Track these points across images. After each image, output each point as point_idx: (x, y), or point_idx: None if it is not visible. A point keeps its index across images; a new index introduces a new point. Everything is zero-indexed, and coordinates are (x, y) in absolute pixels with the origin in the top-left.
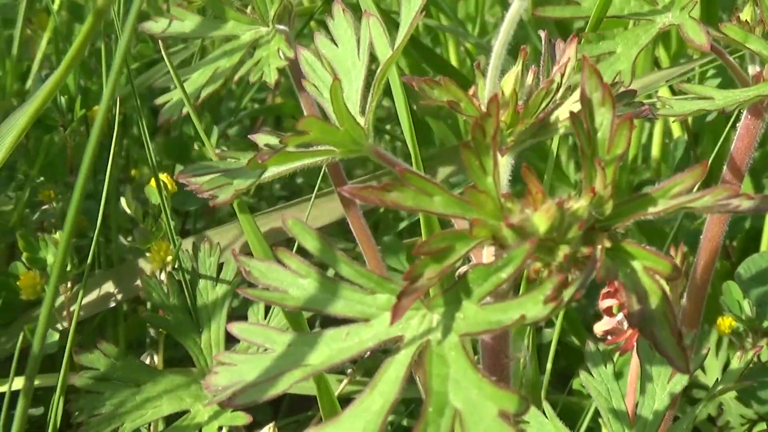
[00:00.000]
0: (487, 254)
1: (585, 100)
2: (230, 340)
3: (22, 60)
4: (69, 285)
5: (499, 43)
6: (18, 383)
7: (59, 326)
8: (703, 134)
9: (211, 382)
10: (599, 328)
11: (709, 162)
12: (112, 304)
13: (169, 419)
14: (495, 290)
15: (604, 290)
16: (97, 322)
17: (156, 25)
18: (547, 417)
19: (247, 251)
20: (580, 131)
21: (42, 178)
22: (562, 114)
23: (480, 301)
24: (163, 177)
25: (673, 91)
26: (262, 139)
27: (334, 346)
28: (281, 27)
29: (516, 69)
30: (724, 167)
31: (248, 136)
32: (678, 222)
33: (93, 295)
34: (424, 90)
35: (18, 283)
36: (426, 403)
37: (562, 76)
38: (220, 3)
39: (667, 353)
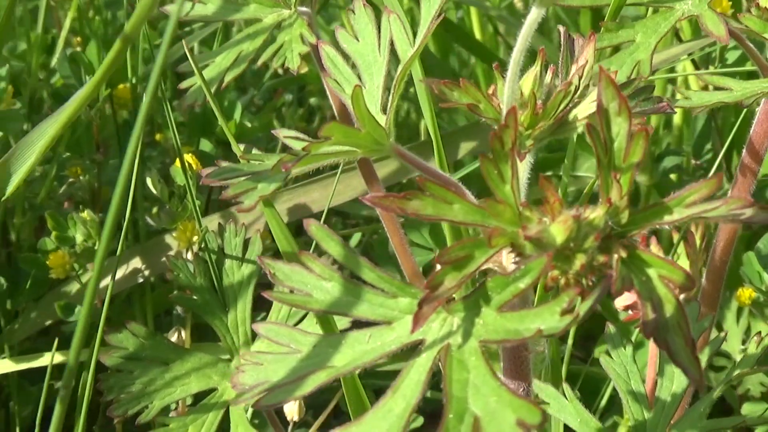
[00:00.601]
0: (507, 257)
1: (601, 110)
2: (256, 320)
3: (46, 28)
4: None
5: (517, 50)
6: (49, 359)
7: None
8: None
9: (238, 381)
10: (620, 302)
11: (730, 137)
12: (140, 280)
13: (197, 397)
14: (513, 299)
15: None
16: (125, 295)
17: (178, 9)
18: (567, 398)
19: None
20: (597, 141)
21: (68, 155)
22: (580, 112)
23: (499, 309)
24: (188, 157)
25: (696, 65)
26: (285, 134)
27: (357, 348)
28: (303, 9)
29: (535, 69)
30: (743, 152)
31: (272, 132)
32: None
33: (121, 271)
34: (444, 92)
35: (48, 262)
36: (446, 408)
37: (580, 78)
38: None
39: (681, 363)
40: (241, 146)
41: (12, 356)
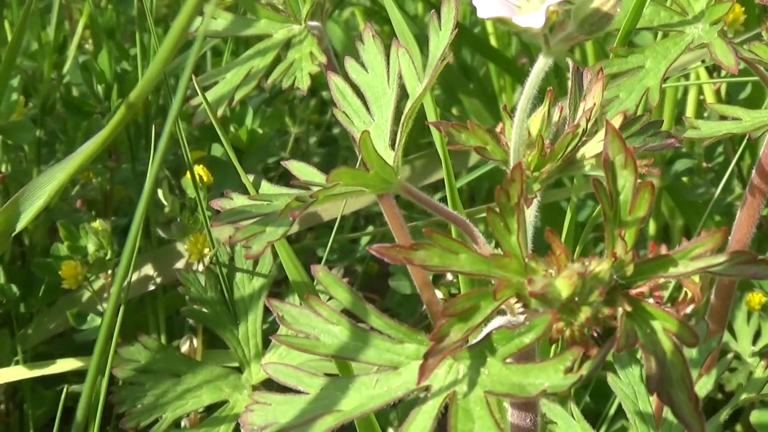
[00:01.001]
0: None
1: (607, 163)
2: (267, 333)
3: (59, 24)
4: (110, 272)
5: (525, 97)
6: (64, 365)
7: (100, 308)
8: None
9: (247, 420)
10: None
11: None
12: (152, 287)
13: (209, 409)
14: (518, 352)
15: None
16: (137, 298)
17: (193, 24)
18: (574, 418)
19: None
20: (602, 194)
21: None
22: (588, 151)
23: (504, 360)
24: (199, 169)
25: (710, 72)
26: (295, 167)
27: (364, 393)
28: (314, 24)
29: (542, 109)
30: (753, 172)
31: (281, 163)
32: (715, 197)
33: (133, 278)
34: (452, 134)
35: (60, 273)
36: None
37: (587, 120)
38: (251, 1)
39: (683, 418)
40: (250, 177)
41: (25, 360)
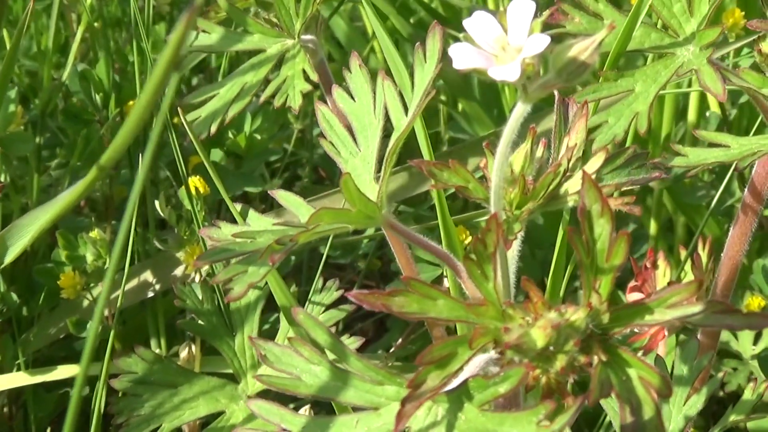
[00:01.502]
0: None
1: (584, 212)
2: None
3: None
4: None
5: (503, 143)
6: (66, 371)
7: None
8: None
9: None
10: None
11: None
12: (150, 294)
13: (206, 420)
14: (493, 400)
15: (631, 284)
16: (136, 305)
17: None
18: None
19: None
20: (579, 243)
21: (80, 165)
22: (571, 187)
23: (481, 406)
24: (195, 181)
25: None
26: (282, 196)
27: None
28: (307, 37)
29: (525, 147)
30: (745, 191)
31: (269, 192)
32: (716, 199)
33: (131, 284)
34: (434, 174)
35: (58, 282)
36: None
37: (569, 160)
38: (243, 15)
39: None
40: (238, 206)
41: (27, 364)
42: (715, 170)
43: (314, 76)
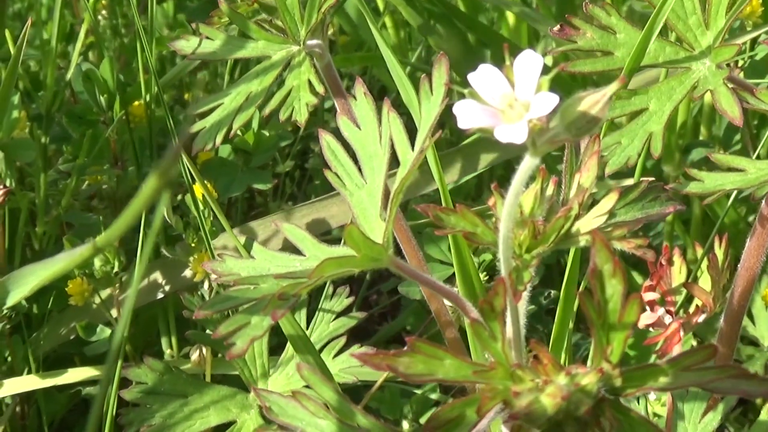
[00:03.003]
0: None
1: (595, 273)
2: (272, 353)
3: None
4: (118, 280)
5: (511, 194)
6: (76, 374)
7: (110, 316)
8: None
9: None
10: (641, 321)
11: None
12: (160, 296)
13: (217, 430)
14: None
15: (647, 282)
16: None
17: (187, 45)
18: None
19: (287, 245)
20: (589, 304)
21: (86, 160)
22: (583, 226)
23: None
24: (197, 188)
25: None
26: (287, 229)
27: None
28: (314, 42)
29: (535, 187)
30: (762, 204)
31: (273, 223)
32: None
33: (141, 285)
34: (440, 219)
35: (66, 289)
36: None
37: (580, 205)
38: (246, 21)
39: None
40: (238, 235)
41: (37, 364)
42: None
43: (320, 88)
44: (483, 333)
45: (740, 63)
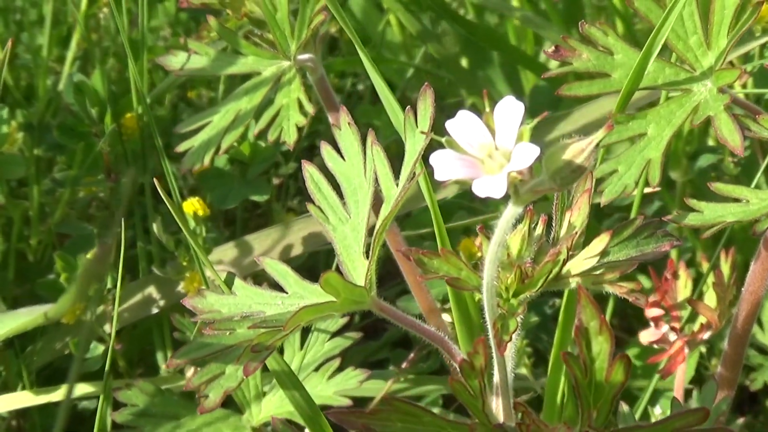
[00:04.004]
0: None
1: (581, 329)
2: (265, 373)
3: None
4: (110, 296)
5: (494, 244)
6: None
7: (104, 329)
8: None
9: None
10: (645, 337)
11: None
12: (155, 310)
13: None
14: None
15: (651, 298)
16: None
17: (175, 60)
18: None
19: (285, 257)
20: (574, 364)
21: (80, 174)
22: (573, 267)
23: None
24: (194, 202)
25: None
26: (269, 264)
27: None
28: (305, 57)
29: (522, 228)
30: (760, 246)
31: (256, 260)
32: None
33: (135, 299)
34: (423, 263)
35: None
36: None
37: (569, 249)
38: (235, 37)
39: None
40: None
41: (31, 378)
42: (741, 162)
43: (310, 108)
44: (463, 392)
45: (749, 68)
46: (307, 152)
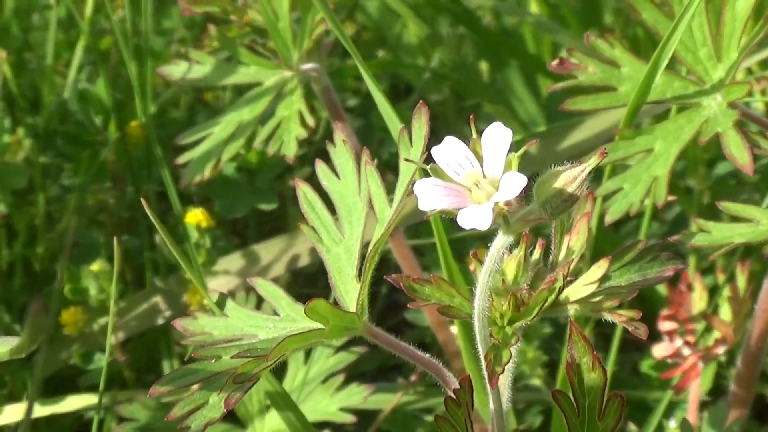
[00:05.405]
0: None
1: (572, 366)
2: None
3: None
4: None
5: (485, 271)
6: (76, 402)
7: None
8: None
9: None
10: (658, 351)
11: None
12: (161, 321)
13: None
14: None
15: (664, 312)
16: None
17: (176, 69)
18: None
19: (292, 268)
20: (566, 404)
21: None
22: (572, 294)
23: None
24: (197, 213)
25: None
26: (261, 285)
27: None
28: (308, 66)
29: (518, 253)
30: None
31: (248, 280)
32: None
33: (141, 309)
34: (414, 290)
35: (60, 319)
36: None
37: (565, 277)
38: (236, 46)
39: None
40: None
41: (37, 391)
42: (759, 169)
43: (311, 120)
44: (448, 429)
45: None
46: (324, 154)
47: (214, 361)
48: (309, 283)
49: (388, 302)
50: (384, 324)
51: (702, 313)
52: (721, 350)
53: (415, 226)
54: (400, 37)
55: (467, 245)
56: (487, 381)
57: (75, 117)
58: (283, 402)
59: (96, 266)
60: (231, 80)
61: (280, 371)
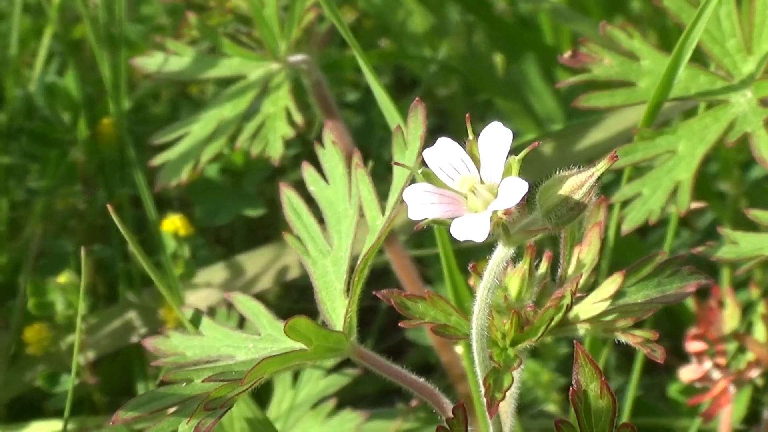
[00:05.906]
0: None
1: (578, 392)
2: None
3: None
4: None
5: (483, 286)
6: (38, 429)
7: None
8: None
9: None
10: (686, 375)
11: None
12: (135, 339)
13: None
14: None
15: (692, 331)
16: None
17: (151, 62)
18: None
19: (280, 280)
20: None
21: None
22: (582, 312)
23: None
24: (175, 220)
25: None
26: (240, 301)
27: None
28: (298, 58)
29: (523, 266)
30: None
31: (225, 296)
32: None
33: (114, 326)
34: (407, 307)
35: (23, 337)
36: None
37: (573, 293)
38: (218, 36)
39: None
40: (187, 313)
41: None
42: None
43: (298, 118)
44: None
45: None
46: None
47: (185, 384)
48: (302, 297)
49: (389, 319)
50: (384, 343)
51: (734, 332)
52: (754, 373)
53: (419, 234)
54: (404, 26)
55: (475, 256)
56: (485, 408)
57: (42, 113)
58: (264, 429)
59: (63, 278)
60: (212, 73)
61: (265, 395)
